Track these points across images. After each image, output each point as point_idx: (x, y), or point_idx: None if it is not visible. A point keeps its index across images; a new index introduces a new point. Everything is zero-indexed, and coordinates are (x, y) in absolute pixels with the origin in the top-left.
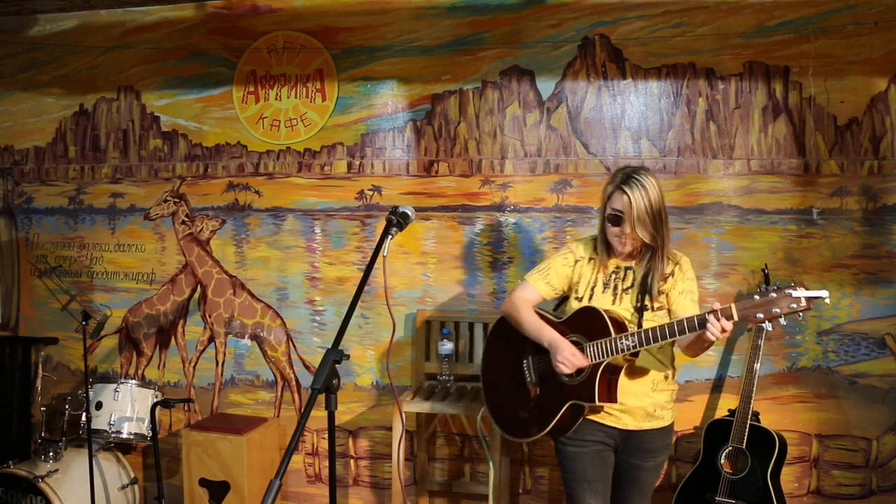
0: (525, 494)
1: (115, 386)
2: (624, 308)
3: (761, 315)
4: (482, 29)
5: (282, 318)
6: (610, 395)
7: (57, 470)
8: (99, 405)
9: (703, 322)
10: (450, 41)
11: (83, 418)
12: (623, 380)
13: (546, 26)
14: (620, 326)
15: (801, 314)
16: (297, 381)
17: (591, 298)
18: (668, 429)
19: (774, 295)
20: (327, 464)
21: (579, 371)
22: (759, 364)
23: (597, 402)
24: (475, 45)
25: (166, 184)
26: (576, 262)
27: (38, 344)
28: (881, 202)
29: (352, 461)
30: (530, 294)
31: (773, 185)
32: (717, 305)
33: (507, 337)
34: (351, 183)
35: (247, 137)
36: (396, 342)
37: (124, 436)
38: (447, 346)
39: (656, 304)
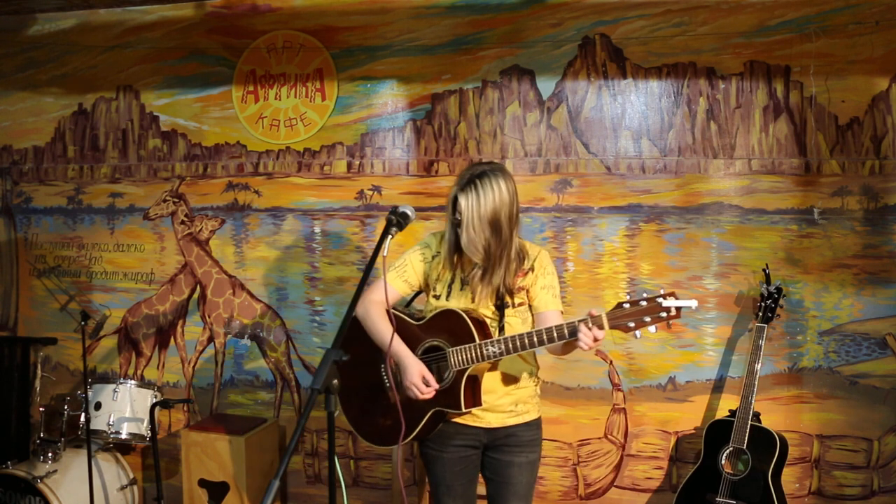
0: None
1: (114, 386)
2: (485, 307)
3: (632, 324)
4: (482, 28)
5: (281, 319)
6: (475, 400)
7: (56, 471)
8: (98, 405)
9: (574, 331)
10: (450, 40)
11: (82, 419)
12: (485, 377)
13: (546, 25)
14: (483, 330)
15: (669, 323)
16: (296, 381)
17: (448, 297)
18: (535, 423)
19: (644, 304)
20: (327, 464)
21: (441, 376)
22: (759, 364)
23: (463, 410)
24: (475, 45)
25: (165, 183)
26: (433, 257)
27: (37, 344)
28: (882, 202)
29: (351, 462)
30: (386, 294)
31: (774, 185)
32: (595, 312)
33: (360, 340)
34: (351, 183)
35: (246, 137)
36: None
37: (123, 436)
38: None
39: (517, 301)
